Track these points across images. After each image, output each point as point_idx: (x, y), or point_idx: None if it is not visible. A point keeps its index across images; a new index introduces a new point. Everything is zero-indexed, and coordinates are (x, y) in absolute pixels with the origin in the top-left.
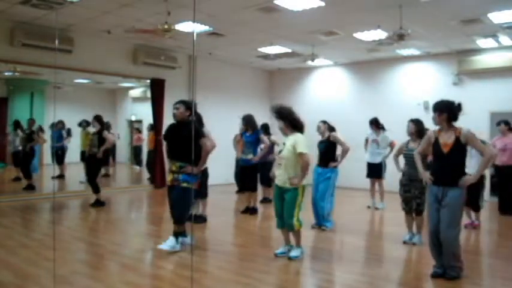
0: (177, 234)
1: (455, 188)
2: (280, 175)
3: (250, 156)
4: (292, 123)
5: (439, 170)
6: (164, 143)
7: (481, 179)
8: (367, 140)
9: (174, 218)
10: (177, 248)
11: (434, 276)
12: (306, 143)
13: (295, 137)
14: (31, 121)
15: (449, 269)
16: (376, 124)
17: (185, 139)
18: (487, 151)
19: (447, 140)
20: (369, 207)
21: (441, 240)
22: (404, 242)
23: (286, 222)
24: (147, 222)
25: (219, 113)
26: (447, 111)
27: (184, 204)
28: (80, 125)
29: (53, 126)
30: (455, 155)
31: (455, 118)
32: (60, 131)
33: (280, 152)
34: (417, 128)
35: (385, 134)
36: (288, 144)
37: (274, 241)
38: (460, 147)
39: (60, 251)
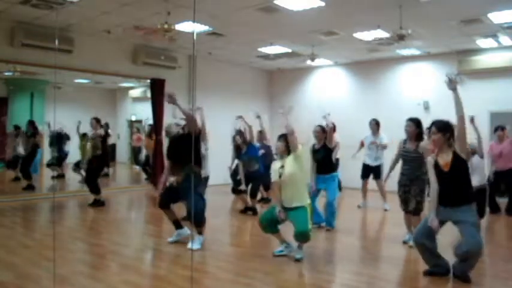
0: (201, 232)
1: (464, 206)
2: (289, 195)
3: (256, 167)
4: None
5: (445, 191)
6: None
7: (485, 192)
8: (362, 143)
9: (196, 222)
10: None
11: (432, 273)
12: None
13: (293, 155)
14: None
15: (460, 271)
16: (377, 125)
17: (188, 153)
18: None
19: (446, 158)
20: (359, 206)
21: (470, 256)
22: (404, 242)
23: (301, 234)
24: (147, 222)
25: (218, 112)
26: (449, 131)
27: (201, 206)
28: (82, 136)
29: (53, 130)
30: (456, 171)
31: (453, 138)
32: (61, 138)
33: (280, 175)
34: (417, 131)
35: (383, 137)
36: (287, 162)
37: (274, 241)
38: (459, 162)
39: (60, 251)
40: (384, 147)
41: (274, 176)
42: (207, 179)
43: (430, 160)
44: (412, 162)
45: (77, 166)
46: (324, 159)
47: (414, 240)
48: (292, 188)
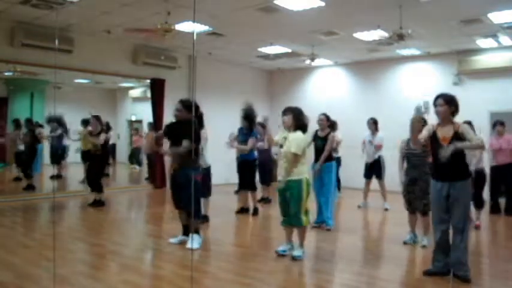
0: (198, 231)
1: (461, 181)
2: (284, 168)
3: (246, 151)
4: (298, 121)
5: (441, 165)
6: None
7: (483, 176)
8: (364, 142)
9: (188, 211)
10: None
11: (433, 273)
12: (305, 142)
13: (296, 135)
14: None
15: (459, 268)
16: (374, 124)
17: (185, 135)
18: (476, 141)
19: (446, 133)
20: (359, 206)
21: (454, 236)
22: (405, 243)
23: (293, 219)
24: (147, 222)
25: (218, 112)
26: (454, 104)
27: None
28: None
29: (50, 123)
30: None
31: (457, 112)
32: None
33: (281, 146)
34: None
35: (380, 135)
36: (291, 136)
37: (274, 241)
38: (459, 140)
39: (60, 251)
40: (378, 148)
41: (276, 138)
42: (208, 169)
43: (429, 128)
44: (415, 161)
45: (82, 156)
46: (322, 148)
47: (434, 223)
48: (290, 162)
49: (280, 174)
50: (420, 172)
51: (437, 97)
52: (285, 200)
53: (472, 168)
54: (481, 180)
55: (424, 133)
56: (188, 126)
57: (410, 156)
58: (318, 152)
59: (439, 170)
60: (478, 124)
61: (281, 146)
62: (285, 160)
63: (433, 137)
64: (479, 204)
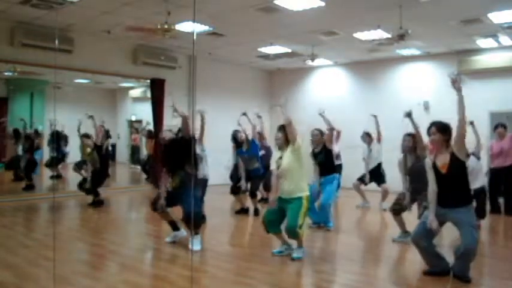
0: (198, 232)
1: (463, 207)
2: (286, 187)
3: (256, 165)
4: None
5: (443, 192)
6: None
7: (483, 194)
8: (364, 158)
9: (189, 218)
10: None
11: (433, 273)
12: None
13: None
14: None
15: (460, 269)
16: (369, 137)
17: (181, 157)
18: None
19: (444, 160)
20: (358, 206)
21: (461, 253)
22: (394, 241)
23: (289, 230)
24: (147, 222)
25: (218, 113)
26: (448, 131)
27: (197, 209)
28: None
29: (52, 134)
30: (454, 173)
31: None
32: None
33: (278, 167)
34: (415, 144)
35: (376, 144)
36: (286, 154)
37: (274, 241)
38: (456, 163)
39: (60, 251)
40: (379, 139)
41: (273, 167)
42: (206, 181)
43: (428, 161)
44: (415, 174)
45: (77, 166)
46: (325, 162)
47: (412, 240)
48: (289, 180)
49: (283, 192)
50: (424, 185)
51: (431, 125)
52: (277, 214)
53: (475, 187)
54: (483, 196)
55: (427, 169)
56: (181, 144)
57: (412, 172)
58: (321, 167)
59: (441, 197)
60: (477, 125)
61: (278, 167)
62: (286, 175)
63: (434, 168)
64: (482, 215)
